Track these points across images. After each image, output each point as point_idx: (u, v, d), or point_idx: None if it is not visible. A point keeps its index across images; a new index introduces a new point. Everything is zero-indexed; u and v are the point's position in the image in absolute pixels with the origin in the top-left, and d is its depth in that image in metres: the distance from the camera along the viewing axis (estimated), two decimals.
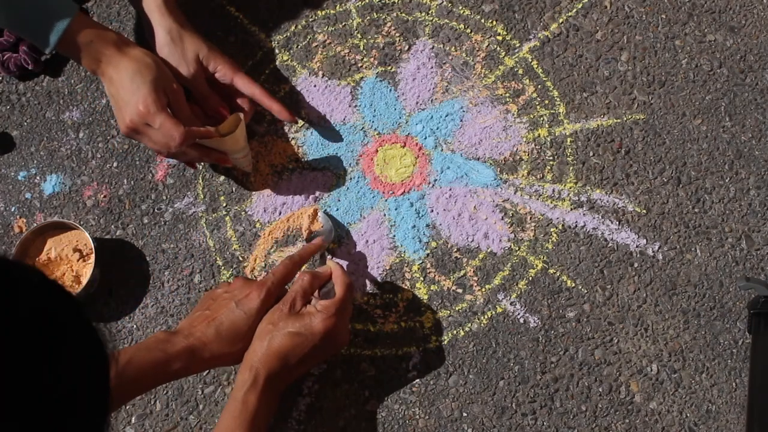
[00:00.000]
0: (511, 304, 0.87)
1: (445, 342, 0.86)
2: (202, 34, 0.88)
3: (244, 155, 0.87)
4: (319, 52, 0.97)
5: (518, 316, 0.86)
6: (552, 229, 0.89)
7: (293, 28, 0.99)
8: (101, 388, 0.40)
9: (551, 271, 0.88)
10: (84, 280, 0.86)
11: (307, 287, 0.77)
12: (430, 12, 0.99)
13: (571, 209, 0.90)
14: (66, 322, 0.39)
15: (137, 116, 0.79)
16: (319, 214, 0.89)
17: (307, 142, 0.93)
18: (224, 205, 0.92)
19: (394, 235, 0.90)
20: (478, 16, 0.98)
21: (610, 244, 0.89)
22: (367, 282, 0.88)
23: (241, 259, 0.90)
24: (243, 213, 0.91)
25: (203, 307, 0.78)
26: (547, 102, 0.94)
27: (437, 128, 0.93)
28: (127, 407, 0.85)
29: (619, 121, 0.93)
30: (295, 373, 0.75)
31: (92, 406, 0.39)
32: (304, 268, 0.84)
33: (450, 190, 0.91)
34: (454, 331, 0.86)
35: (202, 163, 0.93)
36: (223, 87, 0.89)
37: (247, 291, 0.76)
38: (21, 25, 0.80)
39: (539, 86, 0.95)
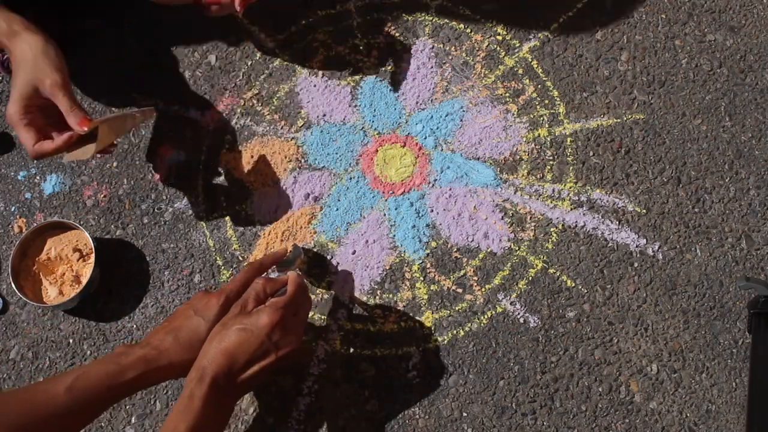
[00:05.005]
0: (511, 304, 0.87)
1: (445, 342, 0.86)
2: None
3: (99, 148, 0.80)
4: (319, 52, 0.97)
5: (518, 316, 0.86)
6: (552, 229, 0.89)
7: (293, 28, 0.99)
8: None
9: (551, 271, 0.88)
10: (84, 280, 0.86)
11: (260, 290, 0.77)
12: (430, 12, 0.99)
13: (571, 209, 0.90)
14: None
15: (8, 121, 0.78)
16: (289, 247, 0.87)
17: (307, 142, 0.93)
18: (224, 205, 0.92)
19: (394, 235, 0.90)
20: (478, 16, 0.98)
21: (610, 244, 0.89)
22: (367, 282, 0.88)
23: (241, 258, 0.90)
24: (243, 213, 0.91)
25: (164, 321, 0.78)
26: (547, 102, 0.94)
27: (437, 128, 0.93)
28: (127, 407, 0.85)
29: (619, 120, 0.93)
30: (246, 375, 0.72)
31: None
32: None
33: (450, 189, 0.91)
34: (454, 331, 0.86)
35: (201, 166, 0.93)
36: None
37: (206, 299, 0.77)
38: None
39: (539, 86, 0.95)
